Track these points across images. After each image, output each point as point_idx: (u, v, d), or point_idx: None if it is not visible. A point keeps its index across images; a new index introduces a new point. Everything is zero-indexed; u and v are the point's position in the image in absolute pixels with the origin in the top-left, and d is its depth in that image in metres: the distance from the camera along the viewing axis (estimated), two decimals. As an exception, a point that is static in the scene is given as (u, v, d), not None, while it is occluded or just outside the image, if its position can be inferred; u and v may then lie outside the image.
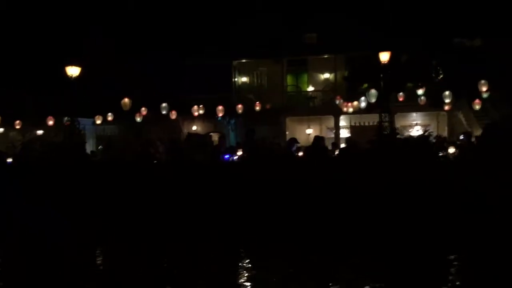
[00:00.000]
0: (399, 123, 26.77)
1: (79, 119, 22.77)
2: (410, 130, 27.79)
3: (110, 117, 20.92)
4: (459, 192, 6.87)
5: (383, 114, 12.28)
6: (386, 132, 10.92)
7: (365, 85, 19.77)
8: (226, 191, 7.78)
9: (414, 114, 26.60)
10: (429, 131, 11.13)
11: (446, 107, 20.46)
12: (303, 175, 7.54)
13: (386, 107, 12.89)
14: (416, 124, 26.52)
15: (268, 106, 23.01)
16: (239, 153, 10.73)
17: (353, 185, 7.10)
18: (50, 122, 19.41)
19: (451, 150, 9.39)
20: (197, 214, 7.68)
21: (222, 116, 23.78)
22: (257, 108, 21.58)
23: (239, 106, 21.27)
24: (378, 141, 9.16)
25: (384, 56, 13.35)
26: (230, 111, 22.66)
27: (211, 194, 7.78)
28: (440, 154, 8.64)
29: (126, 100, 18.44)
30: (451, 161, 8.73)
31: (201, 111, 21.85)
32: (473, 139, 11.60)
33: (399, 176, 7.21)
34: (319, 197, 7.18)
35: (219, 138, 10.66)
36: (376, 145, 8.75)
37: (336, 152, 12.19)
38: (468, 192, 6.91)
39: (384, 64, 13.35)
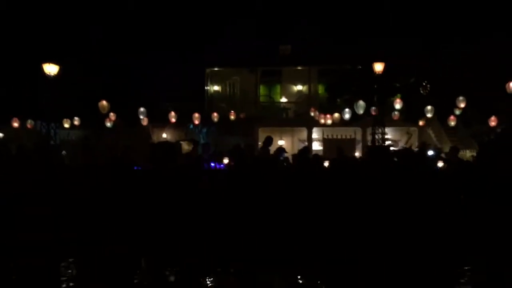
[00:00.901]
0: (369, 136, 27.07)
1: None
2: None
3: (76, 121, 20.06)
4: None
5: (376, 127, 12.04)
6: (378, 144, 10.69)
7: (342, 98, 19.66)
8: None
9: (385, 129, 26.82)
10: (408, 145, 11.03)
11: (421, 123, 20.58)
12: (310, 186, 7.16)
13: (380, 119, 12.69)
14: (387, 139, 26.71)
15: (242, 116, 22.63)
16: (226, 161, 10.29)
17: (357, 196, 6.76)
18: (15, 124, 18.40)
19: (440, 164, 9.27)
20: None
21: (194, 125, 23.30)
22: (232, 117, 21.19)
23: (215, 114, 20.80)
24: (372, 152, 8.91)
25: (378, 67, 13.18)
26: (202, 119, 22.19)
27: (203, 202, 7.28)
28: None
29: (104, 102, 17.63)
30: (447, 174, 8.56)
31: (173, 119, 21.26)
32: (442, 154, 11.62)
33: (400, 188, 6.94)
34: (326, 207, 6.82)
35: (202, 145, 10.17)
36: (370, 157, 8.50)
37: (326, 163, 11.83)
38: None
39: (378, 75, 13.18)
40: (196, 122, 20.31)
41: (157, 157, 10.24)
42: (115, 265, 6.39)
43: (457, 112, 18.96)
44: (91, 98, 21.58)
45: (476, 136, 23.47)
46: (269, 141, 9.77)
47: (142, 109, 19.00)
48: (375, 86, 14.34)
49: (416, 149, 12.12)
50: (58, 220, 7.43)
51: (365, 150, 11.22)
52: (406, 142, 18.10)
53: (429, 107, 16.36)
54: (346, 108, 18.00)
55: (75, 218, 7.42)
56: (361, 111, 16.64)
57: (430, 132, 25.33)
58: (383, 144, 12.16)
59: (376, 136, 13.28)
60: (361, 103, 16.08)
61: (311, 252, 6.41)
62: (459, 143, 21.87)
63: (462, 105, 15.88)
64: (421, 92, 17.18)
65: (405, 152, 8.65)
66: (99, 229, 7.23)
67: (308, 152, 9.39)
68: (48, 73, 11.60)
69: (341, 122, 22.30)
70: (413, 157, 8.19)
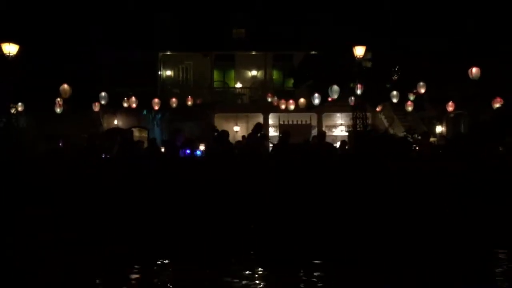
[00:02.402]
0: (325, 123, 27.27)
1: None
2: (333, 130, 28.39)
3: (20, 107, 18.65)
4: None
5: (358, 112, 11.92)
6: (359, 129, 10.57)
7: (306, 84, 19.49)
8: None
9: (338, 115, 27.10)
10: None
11: (378, 108, 20.88)
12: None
13: (362, 104, 12.58)
14: (341, 125, 27.06)
15: (199, 102, 22.01)
16: (202, 147, 9.80)
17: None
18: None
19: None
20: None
21: (147, 111, 22.47)
22: (189, 103, 20.51)
23: (173, 100, 20.06)
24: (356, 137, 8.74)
25: (359, 50, 13.01)
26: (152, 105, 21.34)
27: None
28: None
29: (66, 86, 16.40)
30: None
31: (125, 104, 20.35)
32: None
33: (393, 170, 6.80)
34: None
35: (175, 131, 9.60)
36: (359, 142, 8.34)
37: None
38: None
39: (359, 59, 13.02)
40: (156, 107, 19.48)
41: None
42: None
43: (411, 97, 19.34)
44: (36, 82, 20.25)
45: (426, 120, 24.28)
46: (258, 128, 9.42)
47: (103, 93, 17.96)
48: (357, 70, 14.23)
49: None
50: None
51: (351, 135, 11.06)
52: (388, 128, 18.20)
53: (394, 92, 16.57)
54: (312, 93, 17.78)
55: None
56: (335, 96, 16.55)
57: (382, 117, 25.88)
58: (367, 130, 12.08)
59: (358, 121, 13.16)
60: (336, 87, 16.00)
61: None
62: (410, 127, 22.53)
63: (423, 90, 16.19)
64: (393, 77, 17.30)
65: (402, 139, 8.54)
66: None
67: (289, 136, 9.10)
68: (7, 53, 10.54)
69: (296, 108, 22.28)
70: (409, 144, 8.14)
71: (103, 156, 9.18)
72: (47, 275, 5.36)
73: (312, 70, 18.05)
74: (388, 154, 7.33)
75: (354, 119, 13.95)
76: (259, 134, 9.53)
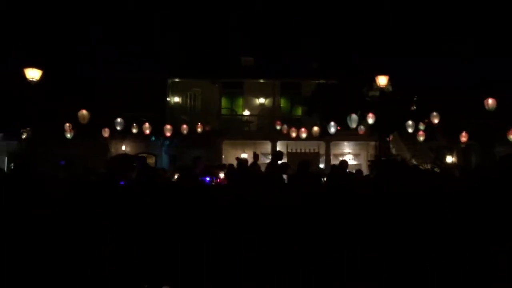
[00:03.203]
0: (332, 151, 27.17)
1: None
2: (340, 158, 28.20)
3: (29, 132, 18.59)
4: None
5: (382, 141, 11.80)
6: (383, 159, 10.42)
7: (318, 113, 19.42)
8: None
9: (345, 143, 27.01)
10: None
11: (391, 137, 20.81)
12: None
13: (383, 133, 12.48)
14: (349, 153, 26.95)
15: (208, 128, 21.95)
16: (221, 175, 9.64)
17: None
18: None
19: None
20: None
21: (155, 137, 22.38)
22: (199, 129, 20.43)
23: (184, 126, 19.98)
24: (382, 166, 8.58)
25: (382, 80, 12.99)
26: (163, 131, 21.27)
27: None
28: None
29: (85, 112, 16.36)
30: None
31: (134, 130, 20.26)
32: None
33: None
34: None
35: (194, 159, 9.41)
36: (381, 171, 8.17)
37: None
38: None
39: (382, 89, 12.98)
40: (168, 134, 19.37)
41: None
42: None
43: (422, 127, 19.28)
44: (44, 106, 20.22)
45: (434, 150, 24.18)
46: (279, 156, 9.24)
47: (119, 119, 17.94)
48: (379, 99, 14.20)
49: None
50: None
51: (372, 164, 10.99)
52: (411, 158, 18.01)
53: (410, 122, 16.50)
54: (323, 121, 17.73)
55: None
56: (354, 125, 16.48)
57: (391, 146, 25.78)
58: (395, 159, 11.93)
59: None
60: (354, 116, 15.95)
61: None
62: (418, 156, 22.41)
63: (436, 120, 16.14)
64: (412, 107, 17.30)
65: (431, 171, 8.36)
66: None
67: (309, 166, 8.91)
68: (31, 79, 10.48)
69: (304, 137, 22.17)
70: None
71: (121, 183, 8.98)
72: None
73: (325, 98, 18.05)
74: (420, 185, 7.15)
75: (380, 147, 13.80)
76: (279, 163, 9.36)
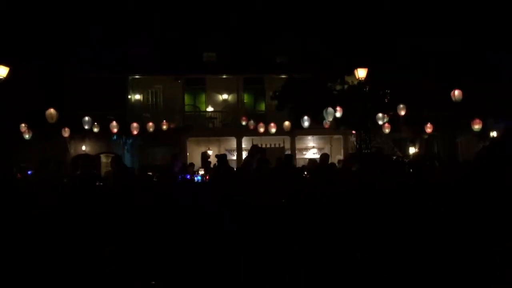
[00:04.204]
0: (297, 145, 27.19)
1: None
2: (304, 153, 28.33)
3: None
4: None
5: (362, 133, 11.77)
6: (366, 151, 10.37)
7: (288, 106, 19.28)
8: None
9: (309, 137, 27.11)
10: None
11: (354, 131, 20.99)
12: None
13: (366, 126, 12.45)
14: (313, 147, 27.05)
15: (172, 126, 21.44)
16: (201, 172, 9.31)
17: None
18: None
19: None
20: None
21: (117, 135, 21.67)
22: (164, 127, 19.91)
23: (150, 124, 19.39)
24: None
25: (361, 73, 12.89)
26: (125, 130, 20.61)
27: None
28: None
29: (53, 111, 15.49)
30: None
31: (95, 129, 19.53)
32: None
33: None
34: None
35: (171, 157, 9.01)
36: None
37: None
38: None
39: (361, 81, 12.90)
40: (135, 132, 18.72)
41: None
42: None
43: (386, 119, 19.53)
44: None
45: (397, 142, 24.67)
46: (257, 150, 8.94)
47: (87, 118, 17.18)
48: (360, 93, 14.18)
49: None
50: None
51: (349, 157, 10.95)
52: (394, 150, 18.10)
53: (380, 115, 16.62)
54: (291, 116, 17.57)
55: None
56: (330, 118, 16.39)
57: (353, 139, 26.06)
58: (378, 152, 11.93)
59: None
60: (330, 110, 15.86)
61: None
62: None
63: (403, 112, 16.35)
64: (385, 99, 17.40)
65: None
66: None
67: (293, 160, 8.73)
68: None
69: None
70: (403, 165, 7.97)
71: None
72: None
73: (296, 93, 17.96)
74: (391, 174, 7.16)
75: (358, 140, 13.80)
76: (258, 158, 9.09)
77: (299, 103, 17.54)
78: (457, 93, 14.25)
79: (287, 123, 19.20)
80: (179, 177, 8.23)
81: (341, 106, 16.08)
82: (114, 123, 18.33)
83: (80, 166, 8.29)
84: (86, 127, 17.34)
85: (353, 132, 20.82)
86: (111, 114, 21.36)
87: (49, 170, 8.26)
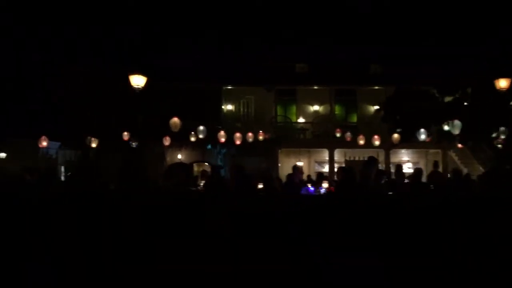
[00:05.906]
0: (391, 159, 26.19)
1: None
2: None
3: (94, 142, 18.53)
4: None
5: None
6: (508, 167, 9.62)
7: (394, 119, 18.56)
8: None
9: (403, 151, 26.04)
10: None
11: (460, 145, 19.80)
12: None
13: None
14: (408, 161, 25.93)
15: (267, 136, 21.46)
16: (325, 185, 9.09)
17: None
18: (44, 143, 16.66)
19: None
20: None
21: (212, 145, 22.06)
22: (260, 137, 20.00)
23: (249, 134, 19.52)
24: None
25: (503, 83, 12.03)
26: (217, 139, 20.86)
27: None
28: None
29: (176, 119, 16.14)
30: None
31: (192, 138, 19.97)
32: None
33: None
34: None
35: (292, 167, 8.84)
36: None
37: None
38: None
39: (503, 91, 12.09)
40: (222, 140, 18.93)
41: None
42: None
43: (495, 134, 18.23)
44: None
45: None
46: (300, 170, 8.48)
47: (201, 127, 17.58)
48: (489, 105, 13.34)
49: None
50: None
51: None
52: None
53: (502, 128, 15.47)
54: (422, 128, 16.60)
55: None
56: (457, 131, 15.46)
57: (452, 154, 24.62)
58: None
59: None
60: (457, 122, 14.97)
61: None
62: (486, 165, 21.21)
63: (503, 136, 15.04)
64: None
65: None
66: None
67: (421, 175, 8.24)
68: (136, 86, 10.11)
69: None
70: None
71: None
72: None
73: (400, 105, 17.28)
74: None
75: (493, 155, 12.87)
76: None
77: (408, 115, 16.76)
78: None
79: (396, 135, 18.39)
80: (302, 189, 8.02)
81: (459, 118, 15.07)
82: (222, 132, 18.56)
83: (180, 175, 8.32)
84: (201, 136, 17.71)
85: (460, 145, 19.60)
86: (206, 124, 21.79)
87: (179, 179, 8.35)
